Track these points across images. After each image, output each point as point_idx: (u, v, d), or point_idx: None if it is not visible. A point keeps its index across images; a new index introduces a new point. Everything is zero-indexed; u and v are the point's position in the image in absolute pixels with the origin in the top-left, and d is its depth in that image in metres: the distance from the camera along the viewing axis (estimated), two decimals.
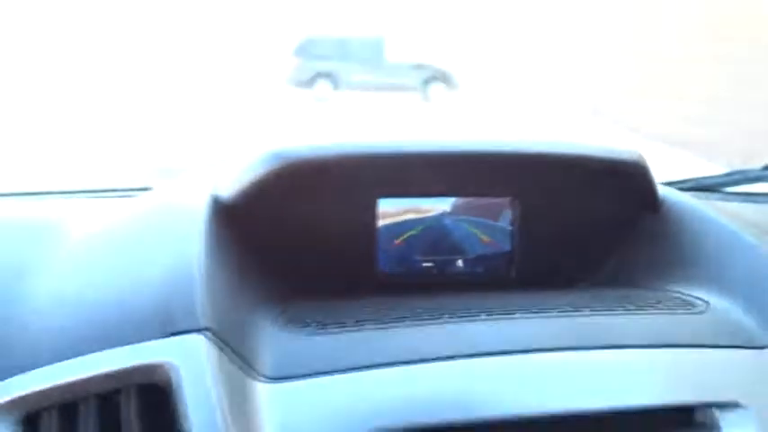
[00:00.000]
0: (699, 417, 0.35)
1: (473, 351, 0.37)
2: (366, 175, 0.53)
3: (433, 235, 0.54)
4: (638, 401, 0.35)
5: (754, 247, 0.47)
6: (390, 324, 0.43)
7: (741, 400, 0.36)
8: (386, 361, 0.37)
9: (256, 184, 0.48)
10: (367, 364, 0.37)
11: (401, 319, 0.44)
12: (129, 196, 0.69)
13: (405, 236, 0.54)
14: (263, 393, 0.35)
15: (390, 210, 0.54)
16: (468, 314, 0.44)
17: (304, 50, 13.07)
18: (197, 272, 0.40)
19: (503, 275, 0.56)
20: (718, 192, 0.82)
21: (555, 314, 0.43)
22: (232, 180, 0.50)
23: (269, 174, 0.48)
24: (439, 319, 0.43)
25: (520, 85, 11.57)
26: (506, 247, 0.55)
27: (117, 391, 0.34)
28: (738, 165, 1.13)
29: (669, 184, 0.74)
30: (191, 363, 0.34)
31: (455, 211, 0.54)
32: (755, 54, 5.53)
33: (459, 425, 0.34)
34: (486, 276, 0.55)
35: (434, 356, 0.37)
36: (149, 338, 0.36)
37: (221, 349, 0.36)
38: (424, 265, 0.55)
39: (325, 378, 0.36)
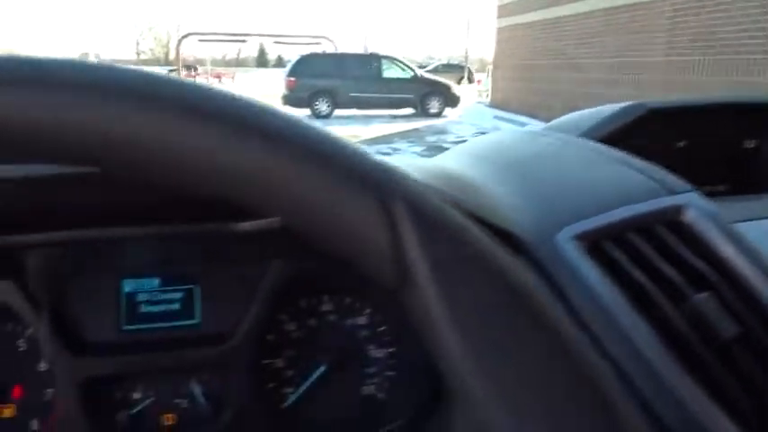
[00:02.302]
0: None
1: None
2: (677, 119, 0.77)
3: None
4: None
5: None
6: None
7: None
8: None
9: (624, 125, 0.71)
10: None
11: None
12: None
13: None
14: None
15: None
16: None
17: (299, 69, 13.02)
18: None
19: None
20: None
21: None
22: (601, 125, 0.72)
23: (635, 118, 0.71)
24: None
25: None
26: None
27: (650, 228, 0.46)
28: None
29: None
30: (700, 205, 0.47)
31: None
32: None
33: None
34: None
35: None
36: (659, 197, 0.48)
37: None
38: None
39: None
